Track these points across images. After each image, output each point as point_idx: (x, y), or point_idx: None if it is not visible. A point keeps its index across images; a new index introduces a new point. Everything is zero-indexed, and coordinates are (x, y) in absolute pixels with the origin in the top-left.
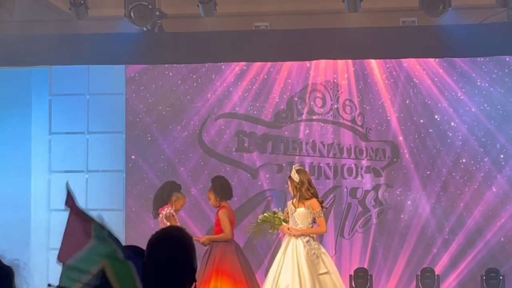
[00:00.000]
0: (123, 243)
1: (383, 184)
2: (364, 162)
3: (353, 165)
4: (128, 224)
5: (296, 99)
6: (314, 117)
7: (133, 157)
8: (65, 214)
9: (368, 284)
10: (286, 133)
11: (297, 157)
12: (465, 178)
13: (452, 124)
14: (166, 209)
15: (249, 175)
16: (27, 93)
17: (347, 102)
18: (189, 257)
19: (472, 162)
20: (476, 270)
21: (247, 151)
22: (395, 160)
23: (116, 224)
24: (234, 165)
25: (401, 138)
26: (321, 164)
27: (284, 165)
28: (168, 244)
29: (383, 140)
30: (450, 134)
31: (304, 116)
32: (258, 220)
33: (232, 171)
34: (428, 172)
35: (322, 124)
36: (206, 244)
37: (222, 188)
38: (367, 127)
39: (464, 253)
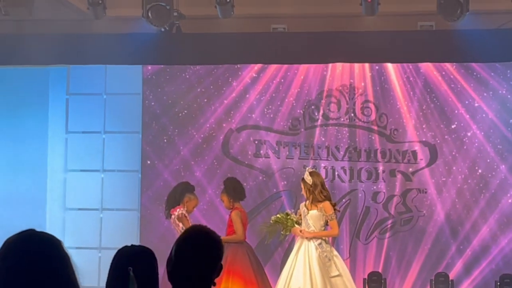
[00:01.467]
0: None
1: (414, 189)
2: (388, 166)
3: (372, 168)
4: (143, 224)
5: (312, 105)
6: (329, 122)
7: (149, 157)
8: (80, 213)
9: None
10: (300, 138)
11: (311, 161)
12: (481, 185)
13: (469, 130)
14: (178, 209)
15: (264, 177)
16: (44, 92)
17: (364, 105)
18: (220, 252)
19: (488, 169)
20: (490, 276)
21: (265, 156)
22: (428, 163)
23: (131, 224)
24: (252, 168)
25: (417, 143)
26: (335, 168)
27: (298, 168)
28: (202, 239)
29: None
30: (467, 141)
31: (319, 121)
32: (271, 221)
33: (247, 173)
34: (444, 179)
35: (337, 128)
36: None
37: (234, 190)
38: (391, 128)
39: (478, 259)
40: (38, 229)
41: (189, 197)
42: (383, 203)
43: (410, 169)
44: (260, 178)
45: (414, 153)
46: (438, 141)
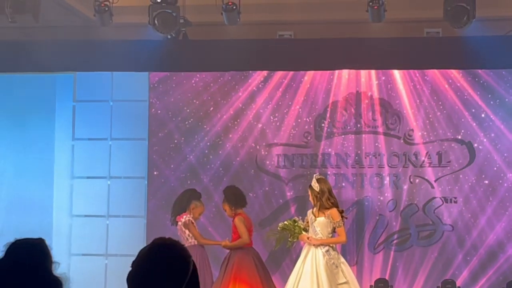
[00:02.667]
0: None
1: (437, 198)
2: (398, 172)
3: (383, 175)
4: (149, 231)
5: (317, 117)
6: (336, 130)
7: (155, 164)
8: (86, 220)
9: None
10: (310, 149)
11: (319, 169)
12: (487, 193)
13: (476, 138)
14: (184, 216)
15: (273, 186)
16: (51, 99)
17: (371, 112)
18: (185, 268)
19: (495, 177)
20: (496, 284)
21: (272, 166)
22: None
23: (137, 231)
24: (258, 179)
25: (423, 151)
26: (345, 174)
27: (305, 177)
28: (163, 253)
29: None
30: (473, 149)
31: (326, 132)
32: (278, 228)
33: (253, 183)
34: (450, 187)
35: (344, 136)
36: (227, 247)
37: (235, 197)
38: (399, 135)
39: (485, 267)
40: (45, 236)
41: (195, 204)
42: (394, 211)
43: (430, 175)
44: (268, 187)
45: (423, 159)
46: (445, 149)
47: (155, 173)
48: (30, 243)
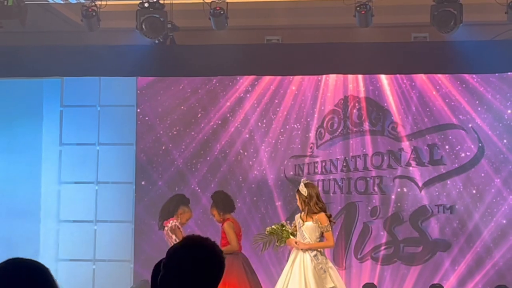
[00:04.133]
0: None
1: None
2: (384, 177)
3: (369, 178)
4: (137, 234)
5: (304, 129)
6: (322, 141)
7: (143, 166)
8: (74, 225)
9: None
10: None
11: (306, 175)
12: (475, 198)
13: (463, 144)
14: (171, 221)
15: (259, 191)
16: (38, 104)
17: (357, 113)
18: (221, 270)
19: (483, 182)
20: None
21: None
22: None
23: (125, 236)
24: (245, 182)
25: (412, 157)
26: (331, 180)
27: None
28: (203, 252)
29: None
30: (462, 155)
31: (314, 140)
32: (266, 232)
33: (243, 186)
34: (437, 193)
35: (331, 141)
36: None
37: (223, 203)
38: (386, 139)
39: (473, 272)
40: (32, 241)
41: (183, 209)
42: (379, 218)
43: (407, 177)
44: (255, 191)
45: (409, 164)
46: (433, 154)
47: (142, 178)
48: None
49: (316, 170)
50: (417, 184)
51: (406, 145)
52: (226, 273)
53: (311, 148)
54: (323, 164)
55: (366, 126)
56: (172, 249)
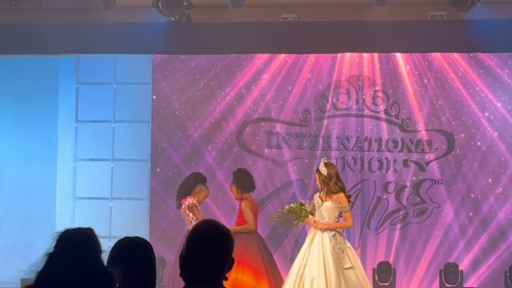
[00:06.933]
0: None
1: (428, 180)
2: (400, 155)
3: (383, 159)
4: (153, 213)
5: (320, 97)
6: (339, 112)
7: (159, 141)
8: (90, 203)
9: (391, 278)
10: (310, 129)
11: (321, 151)
12: (490, 181)
13: (480, 125)
14: (188, 199)
15: (275, 167)
16: (54, 81)
17: (374, 95)
18: (230, 246)
19: (499, 164)
20: (500, 267)
21: (275, 146)
22: (442, 154)
23: (140, 213)
24: (261, 158)
25: (430, 133)
26: (345, 157)
27: (307, 158)
28: (212, 234)
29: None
30: (477, 137)
31: (328, 112)
32: (284, 210)
33: (258, 162)
34: (453, 172)
35: (347, 118)
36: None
37: (244, 181)
38: (403, 118)
39: (487, 252)
40: (48, 218)
41: (200, 188)
42: (394, 193)
43: (424, 159)
44: (271, 167)
45: (429, 142)
46: (448, 136)
47: (158, 153)
48: (78, 232)
49: (329, 146)
50: (432, 169)
51: (422, 134)
52: (241, 252)
53: (325, 123)
54: (337, 140)
55: (382, 114)
56: (190, 232)
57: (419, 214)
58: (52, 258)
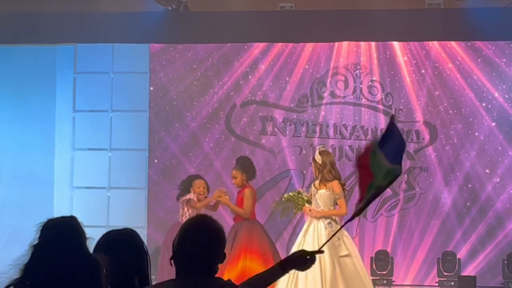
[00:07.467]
0: (145, 221)
1: (417, 168)
2: None
3: None
4: (150, 202)
5: (317, 82)
6: (336, 100)
7: (156, 130)
8: (88, 192)
9: (389, 267)
10: (307, 116)
11: (318, 139)
12: (487, 170)
13: (477, 114)
14: (188, 195)
15: (271, 155)
16: (51, 71)
17: (371, 84)
18: (222, 242)
19: (496, 154)
20: (498, 256)
21: (271, 134)
22: (430, 142)
23: (138, 202)
24: (259, 147)
25: (421, 124)
26: (343, 146)
27: (304, 147)
28: (203, 230)
29: (416, 121)
30: (475, 126)
31: (325, 100)
32: (283, 199)
33: (255, 150)
34: (450, 161)
35: (344, 106)
36: (223, 202)
37: (250, 168)
38: (396, 108)
39: (485, 241)
40: (46, 207)
41: (195, 182)
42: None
43: (413, 148)
44: (267, 155)
45: (417, 132)
46: (446, 123)
47: (155, 142)
48: (62, 221)
49: (327, 134)
50: (430, 158)
51: (419, 124)
52: (247, 240)
53: (322, 111)
54: (334, 128)
55: (380, 105)
56: (182, 227)
57: (409, 200)
58: (37, 250)
